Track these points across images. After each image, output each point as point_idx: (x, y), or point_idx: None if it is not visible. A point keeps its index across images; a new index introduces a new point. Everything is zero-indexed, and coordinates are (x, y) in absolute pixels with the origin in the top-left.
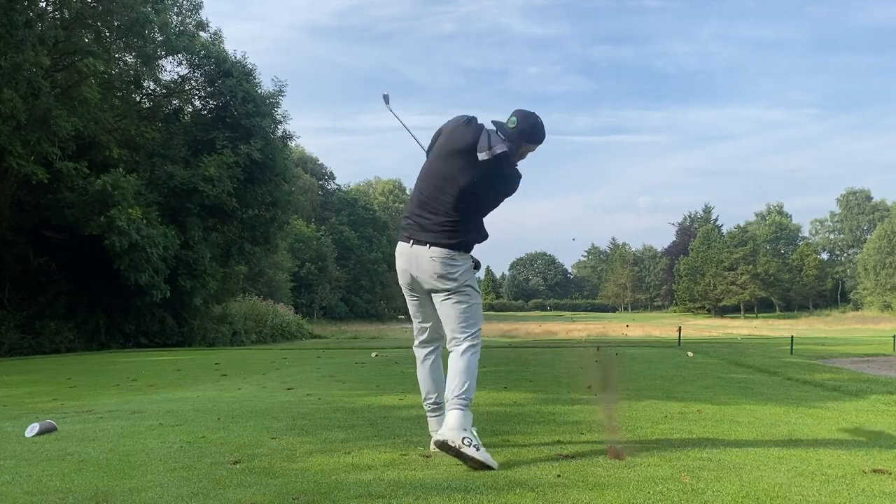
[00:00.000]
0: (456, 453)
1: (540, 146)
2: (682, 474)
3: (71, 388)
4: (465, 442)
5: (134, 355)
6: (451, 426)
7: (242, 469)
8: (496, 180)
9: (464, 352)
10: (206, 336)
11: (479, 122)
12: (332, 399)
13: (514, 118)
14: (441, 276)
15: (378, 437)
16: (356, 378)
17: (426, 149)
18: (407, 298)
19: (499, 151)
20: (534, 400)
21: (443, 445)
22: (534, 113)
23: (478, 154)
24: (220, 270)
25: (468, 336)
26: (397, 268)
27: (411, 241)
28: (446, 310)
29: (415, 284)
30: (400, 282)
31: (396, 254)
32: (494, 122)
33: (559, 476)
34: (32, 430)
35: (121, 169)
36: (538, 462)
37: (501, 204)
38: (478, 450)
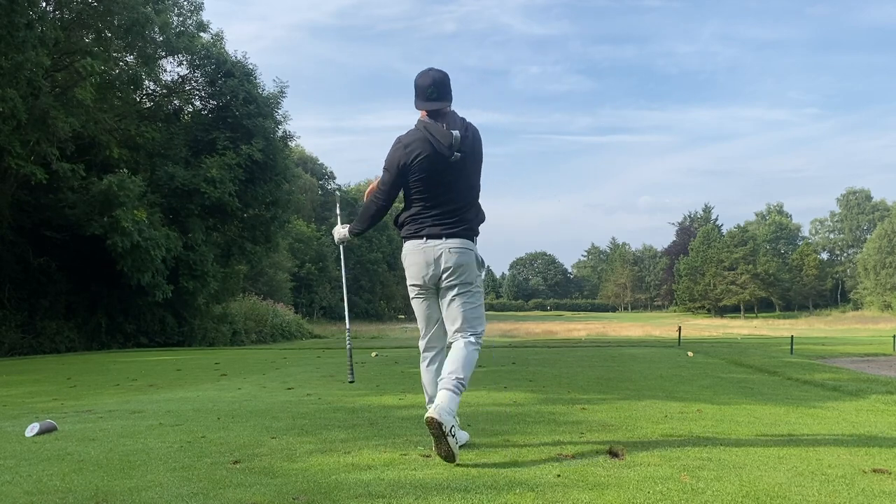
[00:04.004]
0: (439, 435)
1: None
2: (682, 474)
3: (71, 388)
4: (452, 431)
5: (134, 355)
6: (445, 408)
7: (242, 469)
8: (474, 152)
9: (467, 344)
10: (207, 336)
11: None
12: (332, 399)
13: (431, 89)
14: (457, 268)
15: (378, 437)
16: (356, 378)
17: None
18: (415, 299)
19: (455, 133)
20: (534, 400)
21: (435, 425)
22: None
23: (452, 155)
24: (221, 270)
25: (473, 335)
26: (409, 265)
27: (425, 237)
28: (455, 306)
29: (427, 281)
30: (411, 281)
31: (407, 252)
32: (421, 107)
33: (559, 476)
34: (32, 430)
35: (126, 170)
36: (538, 462)
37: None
38: (456, 441)
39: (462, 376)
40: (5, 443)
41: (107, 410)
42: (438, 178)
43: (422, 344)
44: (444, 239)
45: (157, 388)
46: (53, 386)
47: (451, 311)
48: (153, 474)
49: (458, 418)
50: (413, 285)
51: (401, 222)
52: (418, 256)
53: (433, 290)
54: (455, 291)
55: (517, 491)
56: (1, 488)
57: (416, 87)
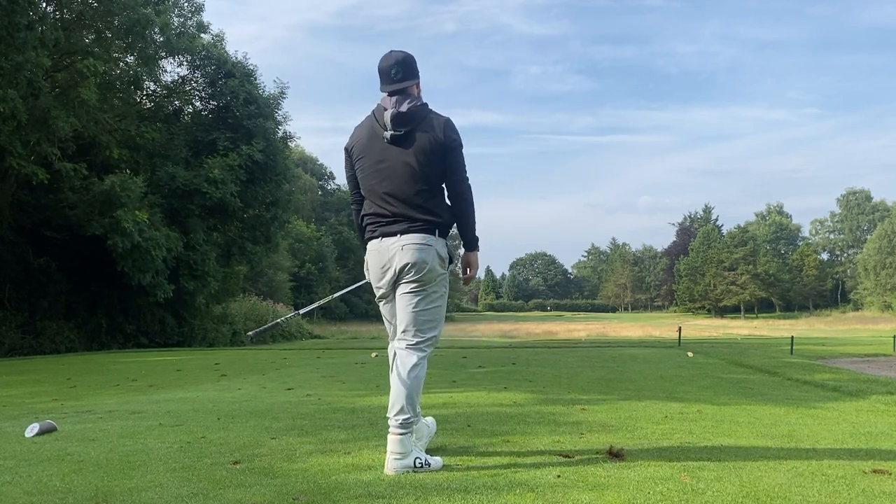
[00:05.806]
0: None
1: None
2: (682, 474)
3: (71, 388)
4: (417, 464)
5: (134, 355)
6: (400, 459)
7: (242, 469)
8: (418, 135)
9: (412, 367)
10: (206, 336)
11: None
12: (332, 399)
13: (395, 69)
14: (412, 266)
15: (378, 437)
16: (356, 378)
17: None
18: (379, 302)
19: (391, 110)
20: (534, 400)
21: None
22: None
23: (385, 136)
24: (221, 270)
25: (422, 342)
26: (369, 268)
27: (380, 237)
28: (405, 307)
29: (387, 284)
30: (373, 284)
31: (367, 255)
32: (384, 89)
33: (559, 476)
34: (32, 430)
35: (128, 171)
36: (538, 462)
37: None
38: (430, 466)
39: (408, 415)
40: (5, 443)
41: (107, 411)
42: (377, 162)
43: (390, 349)
44: (398, 236)
45: (157, 389)
46: (53, 386)
47: (401, 312)
48: (153, 474)
49: (420, 441)
50: (376, 288)
51: (362, 227)
52: (373, 258)
53: (394, 292)
54: (407, 290)
55: (517, 491)
56: (1, 489)
57: (380, 71)
